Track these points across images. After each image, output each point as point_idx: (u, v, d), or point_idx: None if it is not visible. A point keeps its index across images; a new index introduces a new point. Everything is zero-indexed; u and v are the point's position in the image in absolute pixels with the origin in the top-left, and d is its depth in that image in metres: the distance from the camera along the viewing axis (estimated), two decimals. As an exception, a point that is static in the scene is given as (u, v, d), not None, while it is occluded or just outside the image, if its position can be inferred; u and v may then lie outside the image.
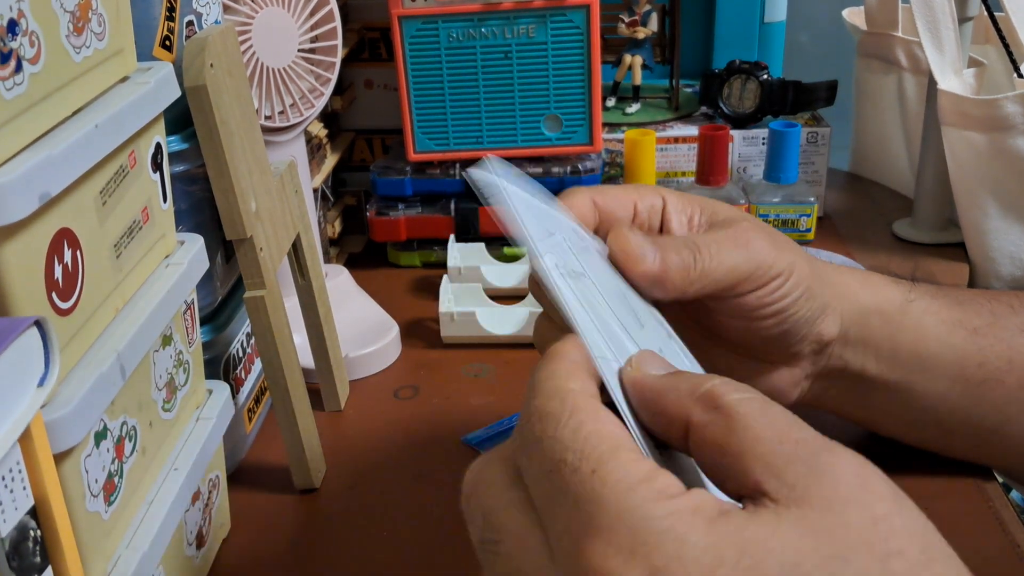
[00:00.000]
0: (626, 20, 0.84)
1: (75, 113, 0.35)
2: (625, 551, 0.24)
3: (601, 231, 0.41)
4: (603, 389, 0.30)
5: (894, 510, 0.24)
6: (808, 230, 0.78)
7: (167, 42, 0.46)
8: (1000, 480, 0.49)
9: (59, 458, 0.32)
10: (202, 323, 0.50)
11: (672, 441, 0.29)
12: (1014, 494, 0.49)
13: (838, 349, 0.45)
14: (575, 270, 0.34)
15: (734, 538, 0.24)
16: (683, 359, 0.34)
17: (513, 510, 0.28)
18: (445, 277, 0.68)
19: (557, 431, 0.27)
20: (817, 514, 0.24)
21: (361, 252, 0.81)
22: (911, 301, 0.46)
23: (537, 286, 0.39)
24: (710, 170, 0.77)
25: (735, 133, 0.81)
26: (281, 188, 0.53)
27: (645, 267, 0.36)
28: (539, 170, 0.74)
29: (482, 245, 0.72)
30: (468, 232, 0.75)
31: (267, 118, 0.59)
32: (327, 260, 0.75)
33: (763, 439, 0.26)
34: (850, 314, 0.45)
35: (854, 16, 0.92)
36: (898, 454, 0.50)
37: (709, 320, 0.43)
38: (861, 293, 0.45)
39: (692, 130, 0.82)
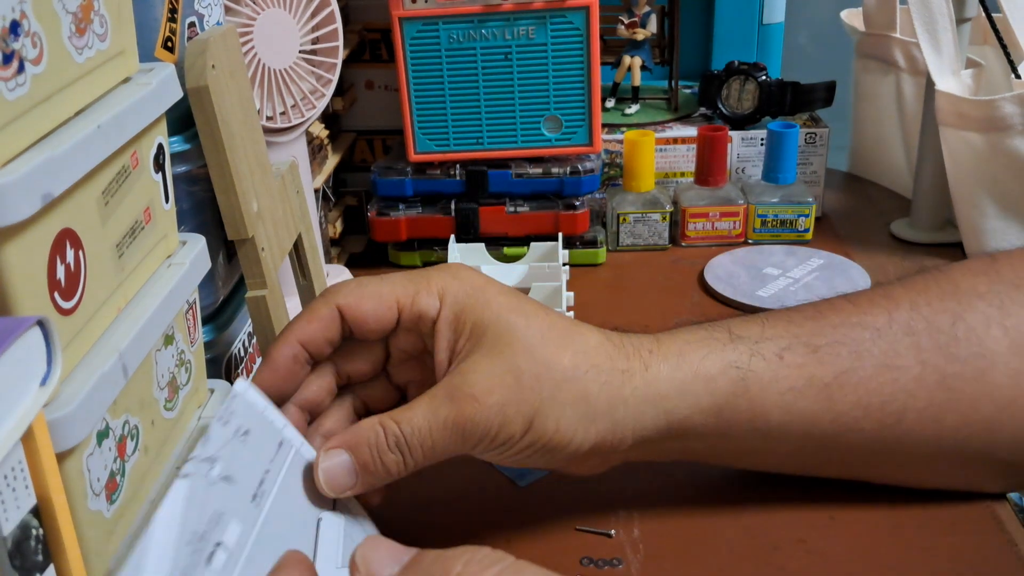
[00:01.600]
0: (625, 21, 0.84)
1: (77, 114, 0.35)
2: None
3: (359, 336, 0.43)
4: None
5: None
6: (806, 230, 0.78)
7: (169, 43, 0.46)
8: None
9: (61, 457, 0.32)
10: (204, 323, 0.50)
11: None
12: (1012, 493, 0.49)
13: (652, 445, 0.43)
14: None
15: None
16: None
17: None
18: (445, 277, 0.68)
19: None
20: None
21: (362, 252, 0.81)
22: (748, 385, 0.43)
23: None
24: (709, 170, 0.77)
25: (734, 134, 0.81)
26: (282, 188, 0.53)
27: (351, 492, 0.40)
28: (539, 170, 0.74)
29: (482, 245, 0.73)
30: (468, 232, 0.75)
31: (268, 119, 0.59)
32: (328, 260, 0.75)
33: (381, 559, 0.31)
34: (651, 425, 0.43)
35: (852, 17, 0.92)
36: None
37: None
38: (677, 401, 0.43)
39: (691, 131, 0.82)
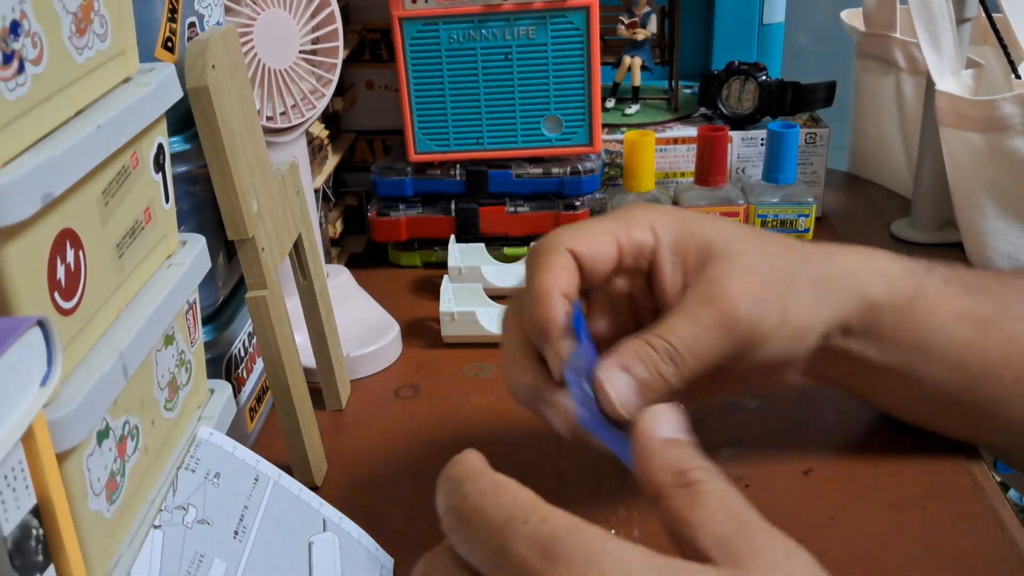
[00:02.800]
0: (625, 21, 0.84)
1: (77, 114, 0.35)
2: (581, 568, 0.27)
3: (585, 280, 0.42)
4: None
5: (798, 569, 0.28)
6: (806, 230, 0.78)
7: (169, 43, 0.46)
8: (999, 479, 0.50)
9: (61, 457, 0.32)
10: (204, 323, 0.50)
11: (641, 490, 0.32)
12: (1012, 493, 0.49)
13: (839, 340, 0.45)
14: None
15: (660, 564, 0.27)
16: None
17: None
18: (446, 277, 0.68)
19: (498, 499, 0.30)
20: (747, 572, 0.28)
21: (362, 252, 0.81)
22: (921, 295, 0.46)
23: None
24: (709, 171, 0.77)
25: (734, 134, 0.81)
26: (283, 188, 0.53)
27: (637, 410, 0.39)
28: (539, 170, 0.74)
29: (482, 245, 0.73)
30: (468, 232, 0.75)
31: (268, 119, 0.59)
32: (328, 260, 0.75)
33: (717, 519, 0.29)
34: (856, 308, 0.45)
35: (852, 17, 0.92)
36: (897, 455, 0.51)
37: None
38: (870, 287, 0.45)
39: (691, 131, 0.82)
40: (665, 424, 0.32)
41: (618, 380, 0.38)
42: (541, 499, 0.30)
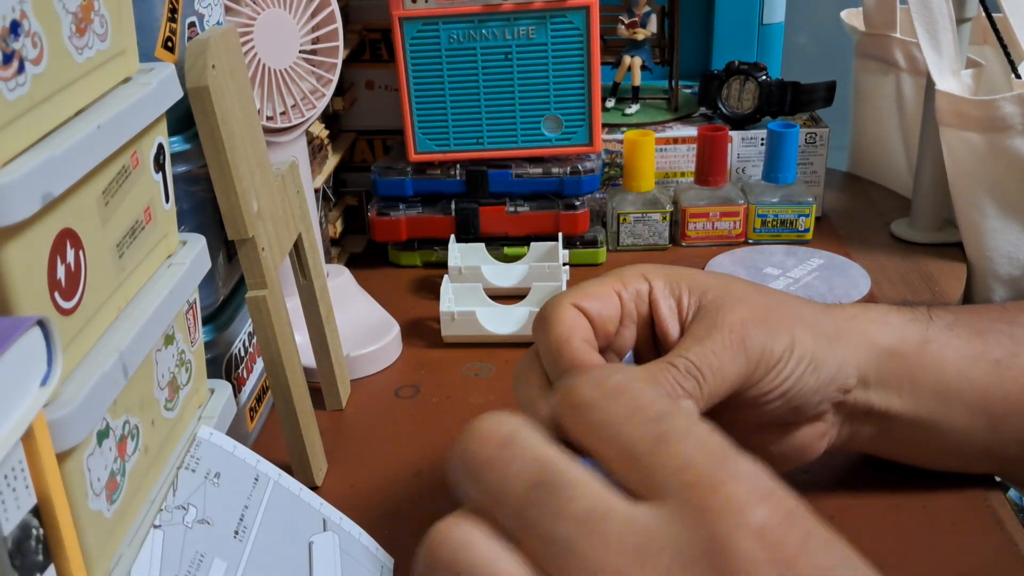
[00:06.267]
0: (625, 21, 0.84)
1: (77, 114, 0.35)
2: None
3: (598, 335, 0.41)
4: None
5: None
6: (806, 230, 0.78)
7: (169, 43, 0.46)
8: (998, 479, 0.50)
9: (61, 457, 0.32)
10: (204, 322, 0.50)
11: None
12: (1012, 493, 0.49)
13: (860, 394, 0.44)
14: None
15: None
16: None
17: (506, 560, 0.26)
18: (446, 277, 0.68)
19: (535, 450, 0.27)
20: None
21: (362, 252, 0.81)
22: (929, 340, 0.45)
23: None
24: (709, 170, 0.77)
25: (734, 134, 0.81)
26: (283, 188, 0.53)
27: None
28: (539, 170, 0.74)
29: (482, 245, 0.73)
30: (468, 232, 0.75)
31: (268, 119, 0.59)
32: (328, 260, 0.75)
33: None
34: (868, 360, 0.44)
35: (852, 17, 0.92)
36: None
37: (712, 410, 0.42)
38: (878, 336, 0.45)
39: (691, 131, 0.82)
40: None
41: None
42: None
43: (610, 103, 0.88)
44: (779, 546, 0.24)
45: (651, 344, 0.43)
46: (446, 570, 0.27)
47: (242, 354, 0.54)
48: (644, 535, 0.25)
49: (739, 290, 0.42)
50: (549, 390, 0.39)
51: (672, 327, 0.42)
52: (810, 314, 0.43)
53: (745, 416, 0.42)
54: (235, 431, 0.52)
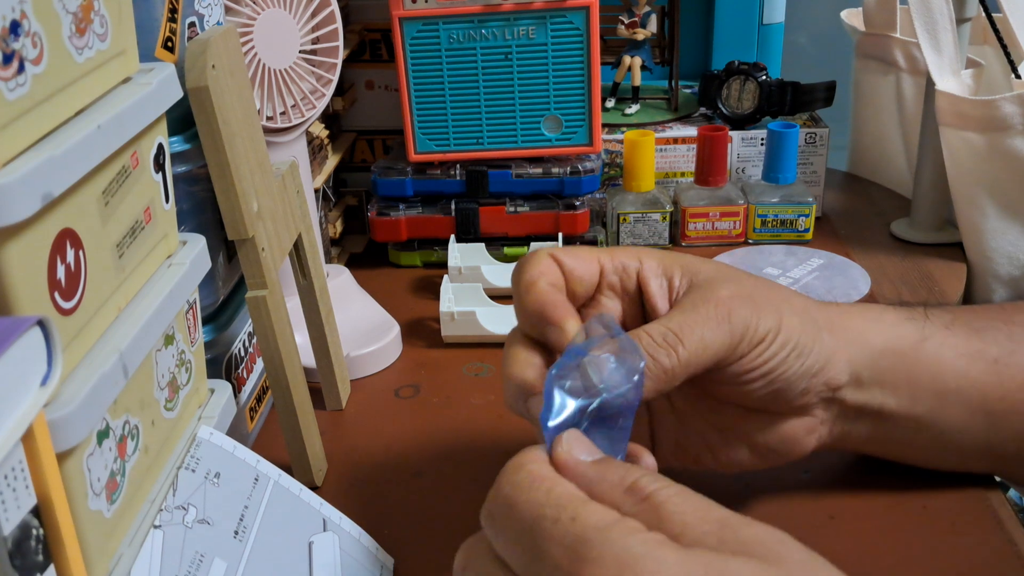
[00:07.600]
0: (625, 21, 0.84)
1: (77, 114, 0.35)
2: (614, 573, 0.27)
3: (569, 293, 0.42)
4: None
5: (811, 558, 0.29)
6: (806, 230, 0.78)
7: (169, 43, 0.46)
8: (998, 479, 0.50)
9: (61, 457, 0.32)
10: (204, 323, 0.50)
11: None
12: (1012, 493, 0.49)
13: (852, 393, 0.44)
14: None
15: (700, 559, 0.28)
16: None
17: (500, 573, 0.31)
18: (446, 277, 0.68)
19: (530, 495, 0.30)
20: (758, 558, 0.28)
21: (362, 252, 0.81)
22: (926, 338, 0.45)
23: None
24: (709, 170, 0.77)
25: (734, 134, 0.81)
26: (283, 188, 0.53)
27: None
28: (539, 170, 0.74)
29: (482, 245, 0.73)
30: (468, 232, 0.75)
31: (269, 119, 0.59)
32: (328, 260, 0.75)
33: (690, 524, 0.29)
34: (861, 358, 0.44)
35: (852, 17, 0.92)
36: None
37: (697, 384, 0.42)
38: (871, 335, 0.45)
39: (691, 131, 0.82)
40: (580, 448, 0.33)
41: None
42: (578, 493, 0.30)
43: (610, 103, 0.88)
44: None
45: (641, 322, 0.44)
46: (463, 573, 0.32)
47: (242, 354, 0.54)
48: None
49: (732, 273, 0.42)
50: (533, 354, 0.40)
51: (661, 304, 0.42)
52: (800, 303, 0.43)
53: (727, 393, 0.43)
54: (235, 431, 0.53)
